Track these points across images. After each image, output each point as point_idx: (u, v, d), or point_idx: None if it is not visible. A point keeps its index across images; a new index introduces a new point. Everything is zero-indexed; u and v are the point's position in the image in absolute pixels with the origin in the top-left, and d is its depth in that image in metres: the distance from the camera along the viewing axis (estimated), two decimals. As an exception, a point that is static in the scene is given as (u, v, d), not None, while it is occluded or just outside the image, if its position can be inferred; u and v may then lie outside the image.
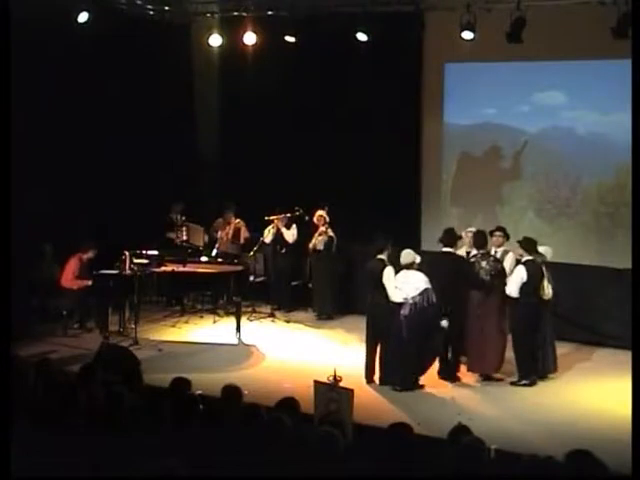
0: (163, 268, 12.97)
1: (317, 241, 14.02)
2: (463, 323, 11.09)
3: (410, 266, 10.81)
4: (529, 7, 11.86)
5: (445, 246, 11.28)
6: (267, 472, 5.32)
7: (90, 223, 13.13)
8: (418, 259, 10.93)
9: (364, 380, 10.84)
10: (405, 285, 10.70)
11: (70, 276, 12.86)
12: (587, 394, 10.67)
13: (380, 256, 10.97)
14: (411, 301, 10.62)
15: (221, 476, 5.35)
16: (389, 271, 10.78)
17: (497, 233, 11.85)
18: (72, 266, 12.86)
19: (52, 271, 12.99)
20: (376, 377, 10.93)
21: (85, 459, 5.33)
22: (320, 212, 13.94)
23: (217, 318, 13.91)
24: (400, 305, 10.67)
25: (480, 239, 11.29)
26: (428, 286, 10.69)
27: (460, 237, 11.52)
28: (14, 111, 11.88)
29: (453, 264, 11.19)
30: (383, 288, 10.78)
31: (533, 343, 10.97)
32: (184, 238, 14.54)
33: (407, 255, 10.87)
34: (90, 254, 12.91)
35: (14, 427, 5.71)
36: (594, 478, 5.28)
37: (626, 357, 11.97)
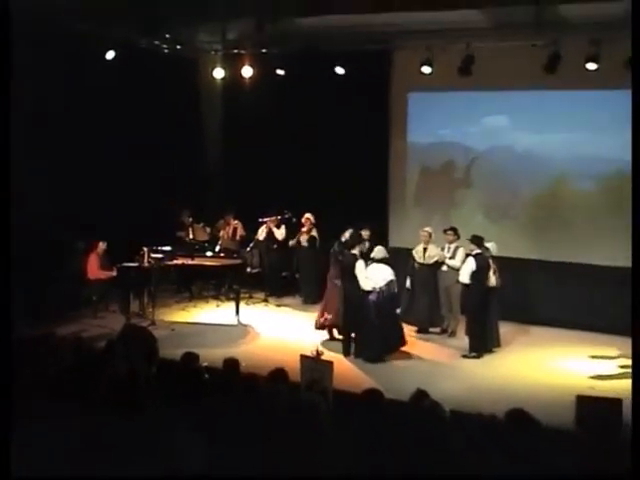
0: (175, 261, 12.96)
1: (301, 239, 14.05)
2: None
3: (381, 260, 10.83)
4: (477, 47, 11.96)
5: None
6: (260, 432, 5.30)
7: (116, 225, 13.07)
8: (386, 254, 10.97)
9: (342, 354, 10.87)
10: (375, 276, 10.71)
11: (94, 269, 12.85)
12: (524, 364, 10.74)
13: (353, 251, 11.00)
14: (378, 290, 10.64)
15: (224, 437, 5.29)
16: (360, 264, 10.80)
17: (449, 232, 11.96)
18: (92, 261, 12.86)
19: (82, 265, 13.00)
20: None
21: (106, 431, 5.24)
22: (308, 215, 13.95)
23: (220, 303, 13.90)
24: (369, 292, 10.69)
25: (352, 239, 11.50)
26: (393, 278, 10.73)
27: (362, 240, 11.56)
28: (45, 123, 11.98)
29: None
30: (355, 278, 10.79)
31: (482, 322, 11.03)
32: (191, 236, 14.56)
33: (379, 251, 10.91)
34: (102, 247, 12.89)
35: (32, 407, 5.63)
36: (528, 431, 5.33)
37: (557, 334, 12.15)
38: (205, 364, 7.41)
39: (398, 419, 5.66)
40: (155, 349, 8.03)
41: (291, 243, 14.12)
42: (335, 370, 8.13)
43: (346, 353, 10.97)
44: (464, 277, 10.96)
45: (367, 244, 11.65)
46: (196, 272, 13.41)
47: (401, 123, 14.26)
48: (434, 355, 11.14)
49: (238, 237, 14.63)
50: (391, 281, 10.69)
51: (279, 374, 6.81)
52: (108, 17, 11.89)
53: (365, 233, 11.97)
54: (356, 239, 11.25)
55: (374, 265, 10.79)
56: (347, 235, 11.77)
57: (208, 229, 14.84)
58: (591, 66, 11.35)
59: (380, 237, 12.79)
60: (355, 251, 10.98)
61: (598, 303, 12.24)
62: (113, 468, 4.57)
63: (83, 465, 4.58)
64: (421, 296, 12.01)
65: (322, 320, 11.67)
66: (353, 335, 10.99)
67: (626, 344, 11.42)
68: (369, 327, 10.69)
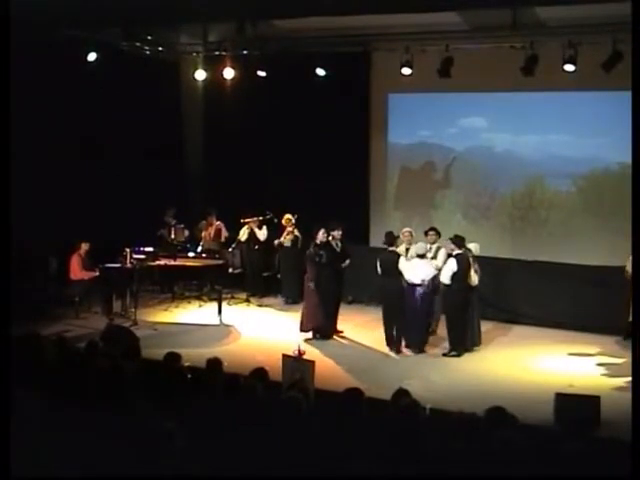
0: (157, 262, 12.87)
1: (285, 239, 14.02)
2: None
3: (423, 256, 11.03)
4: (456, 49, 12.00)
5: (387, 245, 11.35)
6: (243, 431, 5.29)
7: (101, 228, 12.99)
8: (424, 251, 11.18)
9: (321, 353, 10.79)
10: (420, 270, 10.92)
11: (77, 269, 12.75)
12: (504, 363, 10.73)
13: (392, 248, 11.10)
14: (426, 282, 10.84)
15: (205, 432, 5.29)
16: (403, 260, 10.97)
17: (431, 232, 11.95)
18: (74, 262, 12.75)
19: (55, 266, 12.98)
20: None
21: (92, 422, 5.23)
22: (288, 215, 13.93)
23: (202, 303, 13.83)
24: (414, 285, 10.87)
25: (389, 238, 11.38)
26: (436, 271, 10.92)
27: (398, 237, 11.53)
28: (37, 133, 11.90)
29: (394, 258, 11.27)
30: (396, 274, 10.91)
31: (462, 321, 11.03)
32: (172, 237, 14.51)
33: (420, 247, 11.11)
34: (85, 248, 12.79)
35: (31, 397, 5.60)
36: (507, 428, 5.34)
37: (536, 332, 12.18)
38: (188, 364, 7.38)
39: (379, 417, 5.66)
40: (137, 348, 8.03)
41: (276, 242, 14.10)
42: (316, 369, 8.13)
43: (390, 345, 11.07)
44: (445, 278, 10.98)
45: (339, 243, 11.83)
46: (178, 272, 13.35)
47: (381, 124, 14.28)
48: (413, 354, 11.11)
49: (223, 239, 14.58)
50: (434, 274, 10.97)
51: (259, 373, 6.79)
52: (89, 20, 11.80)
53: (337, 233, 11.94)
54: (393, 237, 11.34)
55: (416, 260, 11.00)
56: (320, 236, 11.77)
57: (187, 231, 14.78)
58: (569, 68, 11.41)
59: (362, 237, 12.82)
60: (394, 248, 11.15)
61: (576, 301, 12.28)
62: (100, 464, 4.56)
63: (66, 461, 4.57)
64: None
65: (306, 324, 11.72)
66: (396, 327, 11.09)
67: (604, 342, 11.57)
68: (416, 318, 10.89)
